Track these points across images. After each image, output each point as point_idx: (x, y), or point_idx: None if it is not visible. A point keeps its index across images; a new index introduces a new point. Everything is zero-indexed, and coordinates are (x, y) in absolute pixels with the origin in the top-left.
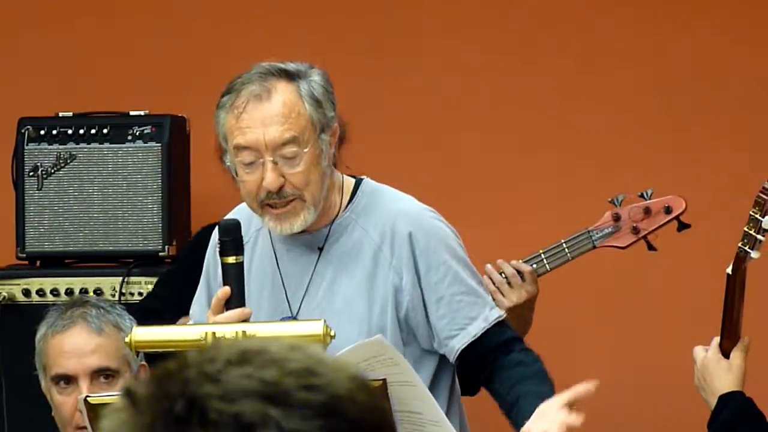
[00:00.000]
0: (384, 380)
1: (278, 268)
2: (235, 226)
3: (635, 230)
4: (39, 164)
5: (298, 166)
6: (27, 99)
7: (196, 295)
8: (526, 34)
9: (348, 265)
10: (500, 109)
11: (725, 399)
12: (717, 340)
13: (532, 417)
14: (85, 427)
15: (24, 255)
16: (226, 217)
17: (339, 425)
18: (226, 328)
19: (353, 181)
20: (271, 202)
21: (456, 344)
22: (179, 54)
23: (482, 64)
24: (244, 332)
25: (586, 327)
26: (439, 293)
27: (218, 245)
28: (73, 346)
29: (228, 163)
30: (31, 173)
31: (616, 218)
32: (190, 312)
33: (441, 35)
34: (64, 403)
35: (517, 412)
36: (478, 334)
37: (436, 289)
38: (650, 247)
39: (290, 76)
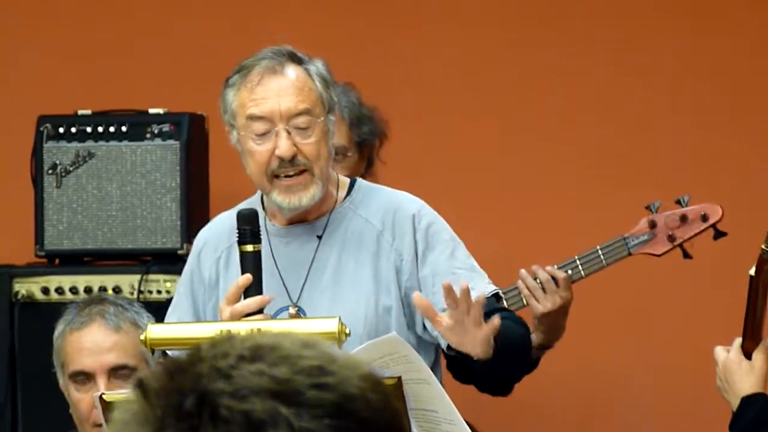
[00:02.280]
0: (399, 378)
1: (274, 261)
2: (253, 215)
3: (671, 238)
4: (58, 162)
5: (311, 137)
6: (46, 97)
7: (172, 306)
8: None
9: (351, 250)
10: (524, 111)
11: (748, 400)
12: (739, 341)
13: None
14: (102, 425)
15: (43, 253)
16: (204, 232)
17: (350, 425)
18: (242, 325)
19: (348, 179)
20: (283, 171)
21: None
22: (198, 52)
23: (495, 62)
24: (259, 330)
25: (608, 328)
26: (437, 269)
27: (236, 234)
28: (91, 343)
29: (234, 141)
30: (50, 171)
31: (652, 225)
32: (166, 320)
33: (447, 35)
34: (82, 400)
35: None
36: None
37: (435, 265)
38: (686, 255)
39: (298, 60)
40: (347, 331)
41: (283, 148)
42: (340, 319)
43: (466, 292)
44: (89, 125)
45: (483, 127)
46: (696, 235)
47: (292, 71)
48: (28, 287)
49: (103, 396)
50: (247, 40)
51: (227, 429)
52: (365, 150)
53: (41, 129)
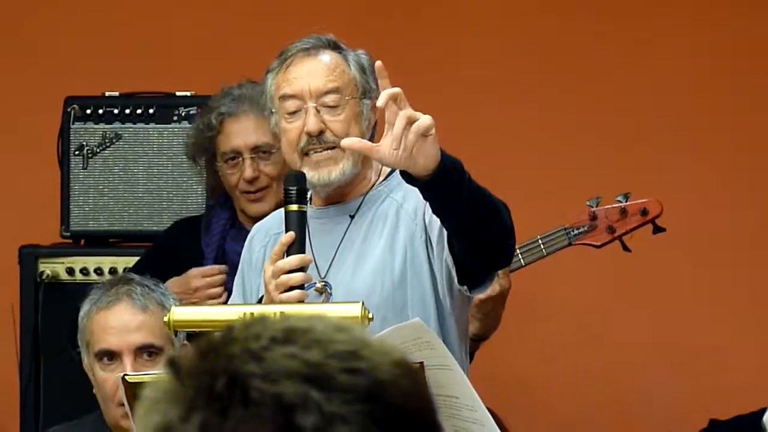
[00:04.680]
0: (421, 363)
1: (309, 239)
2: (301, 176)
3: (611, 230)
4: (85, 143)
5: (340, 115)
6: (74, 78)
7: (231, 299)
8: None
9: (377, 228)
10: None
11: None
12: None
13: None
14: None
15: (68, 234)
16: (258, 223)
17: (380, 411)
18: (267, 308)
19: (389, 169)
20: (311, 148)
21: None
22: (226, 35)
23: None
24: (282, 313)
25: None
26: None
27: (283, 194)
28: (117, 323)
29: (273, 126)
30: (76, 152)
31: (593, 217)
32: None
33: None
34: (107, 379)
35: None
36: None
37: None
38: (625, 248)
39: (338, 48)
40: (370, 316)
41: (310, 123)
42: (363, 303)
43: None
44: (116, 107)
45: None
46: (634, 228)
47: (327, 55)
48: (53, 268)
49: (126, 377)
50: (276, 26)
51: (257, 411)
52: None
53: (68, 110)
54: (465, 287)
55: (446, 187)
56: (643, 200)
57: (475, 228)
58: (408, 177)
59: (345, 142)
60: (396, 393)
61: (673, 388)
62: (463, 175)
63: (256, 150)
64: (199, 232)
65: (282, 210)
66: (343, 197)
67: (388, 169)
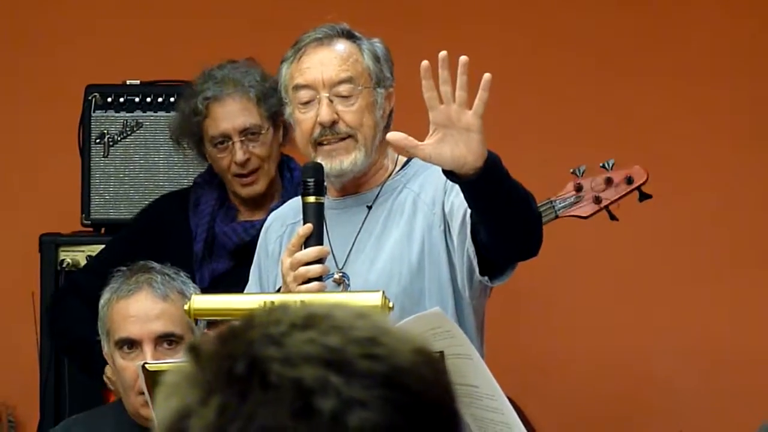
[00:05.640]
0: (441, 353)
1: (326, 230)
2: (318, 167)
3: (597, 200)
4: (105, 131)
5: (352, 106)
6: (95, 66)
7: (248, 287)
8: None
9: (395, 218)
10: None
11: None
12: None
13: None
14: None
15: (89, 222)
16: (275, 212)
17: (399, 397)
18: (287, 297)
19: (405, 159)
20: (325, 138)
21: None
22: (246, 24)
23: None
24: (302, 302)
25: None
26: (455, 192)
27: (300, 186)
28: (138, 311)
29: (287, 115)
30: (97, 140)
31: (579, 188)
32: None
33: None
34: (127, 367)
35: None
36: None
37: (453, 192)
38: (612, 217)
39: (353, 37)
40: (390, 305)
41: (323, 113)
42: (383, 293)
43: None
44: (137, 95)
45: None
46: (621, 197)
47: (340, 45)
48: (73, 256)
49: (146, 366)
50: (297, 15)
51: (276, 395)
52: (278, 120)
53: (89, 98)
54: (486, 278)
55: (490, 185)
56: (629, 168)
57: (512, 222)
58: (452, 176)
59: (390, 136)
60: (415, 379)
61: (692, 377)
62: (503, 171)
63: (245, 132)
64: (188, 209)
65: (297, 199)
66: (359, 188)
67: (404, 159)
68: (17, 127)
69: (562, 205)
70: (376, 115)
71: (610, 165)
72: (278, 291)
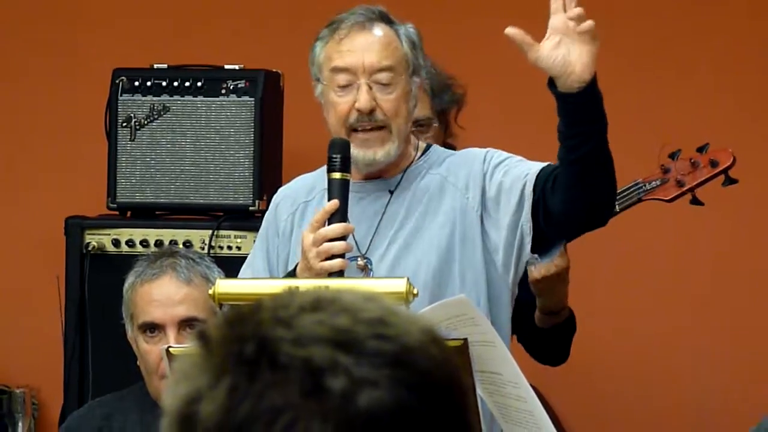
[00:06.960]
0: (465, 340)
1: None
2: (345, 144)
3: (680, 183)
4: (132, 115)
5: (391, 94)
6: (122, 50)
7: (248, 260)
8: None
9: (419, 204)
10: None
11: None
12: None
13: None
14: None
15: (115, 205)
16: (282, 188)
17: (408, 376)
18: (309, 282)
19: (425, 144)
20: (360, 125)
21: (530, 177)
22: (275, 9)
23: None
24: (326, 287)
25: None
26: (509, 170)
27: (327, 162)
28: (162, 295)
29: (318, 94)
30: (124, 124)
31: (665, 171)
32: (240, 275)
33: None
34: (151, 351)
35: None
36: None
37: (506, 168)
38: (695, 201)
39: (388, 20)
40: (415, 292)
41: (363, 100)
42: (408, 279)
43: None
44: (164, 79)
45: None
46: (705, 181)
47: (379, 29)
48: (99, 239)
49: (170, 349)
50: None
51: (286, 375)
52: (445, 118)
53: (116, 82)
54: (536, 255)
55: (589, 106)
56: (714, 150)
57: (600, 159)
58: (555, 89)
59: (509, 30)
60: (424, 359)
61: (716, 370)
62: (601, 99)
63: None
64: None
65: (307, 176)
66: (381, 173)
67: (425, 145)
68: (44, 110)
69: (647, 187)
70: (410, 105)
71: (706, 149)
72: (294, 268)
